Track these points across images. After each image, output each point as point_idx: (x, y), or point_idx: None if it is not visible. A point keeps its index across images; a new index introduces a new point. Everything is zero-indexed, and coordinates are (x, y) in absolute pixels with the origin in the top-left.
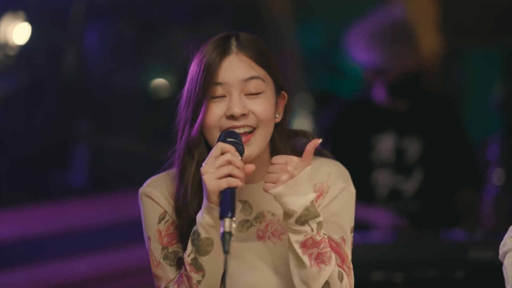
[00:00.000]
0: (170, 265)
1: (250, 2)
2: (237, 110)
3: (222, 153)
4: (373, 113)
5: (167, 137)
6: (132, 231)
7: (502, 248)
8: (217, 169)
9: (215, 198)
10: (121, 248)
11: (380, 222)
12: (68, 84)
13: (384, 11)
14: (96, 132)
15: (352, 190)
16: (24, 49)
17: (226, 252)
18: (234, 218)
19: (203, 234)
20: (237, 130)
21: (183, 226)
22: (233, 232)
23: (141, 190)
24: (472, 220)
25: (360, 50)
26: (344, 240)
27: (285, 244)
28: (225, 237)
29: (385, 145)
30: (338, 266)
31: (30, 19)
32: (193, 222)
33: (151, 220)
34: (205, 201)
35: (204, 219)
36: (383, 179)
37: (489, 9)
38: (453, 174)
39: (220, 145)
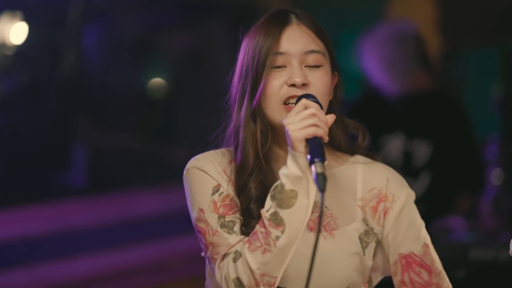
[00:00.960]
0: (228, 232)
1: (249, 2)
2: (298, 80)
3: (305, 108)
4: (384, 112)
5: (166, 135)
6: (131, 230)
7: None
8: (301, 120)
9: (301, 146)
10: (121, 248)
11: None
12: (67, 84)
13: (394, 27)
14: (95, 132)
15: (412, 193)
16: (22, 49)
17: (322, 190)
18: (325, 163)
19: (288, 186)
20: None
21: (244, 202)
22: (326, 175)
23: (189, 164)
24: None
25: (368, 63)
26: (427, 245)
27: (336, 240)
28: (320, 177)
29: (394, 146)
30: (426, 282)
31: (28, 19)
32: (253, 200)
33: (204, 191)
34: (290, 152)
35: (290, 169)
36: None
37: (488, 9)
38: (457, 178)
39: (304, 101)
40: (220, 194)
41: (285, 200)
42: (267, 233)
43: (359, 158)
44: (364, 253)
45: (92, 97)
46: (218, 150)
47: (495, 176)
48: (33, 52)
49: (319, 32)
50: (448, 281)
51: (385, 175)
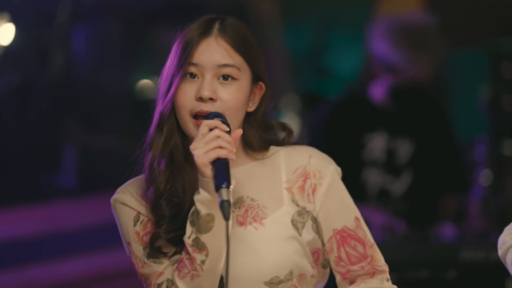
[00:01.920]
0: (154, 262)
1: (238, 3)
2: (206, 93)
3: (210, 130)
4: (367, 111)
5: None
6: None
7: (502, 247)
8: (206, 144)
9: (208, 171)
10: (112, 249)
11: (375, 222)
12: (56, 85)
13: (415, 14)
14: (85, 133)
15: (339, 168)
16: (11, 50)
17: (227, 218)
18: (230, 188)
19: (203, 211)
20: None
21: (155, 200)
22: (231, 200)
23: (112, 199)
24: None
25: (382, 43)
26: (358, 219)
27: (267, 228)
28: (224, 205)
29: (377, 144)
30: (362, 255)
31: (16, 20)
32: (161, 196)
33: (126, 224)
34: (200, 178)
35: (202, 195)
36: (373, 179)
37: (476, 10)
38: (440, 178)
39: (206, 122)
40: (141, 223)
41: (203, 225)
42: (192, 259)
43: (277, 147)
44: (300, 234)
45: (82, 98)
46: (139, 178)
47: (484, 177)
48: (22, 53)
49: (239, 44)
50: (380, 253)
51: (307, 153)
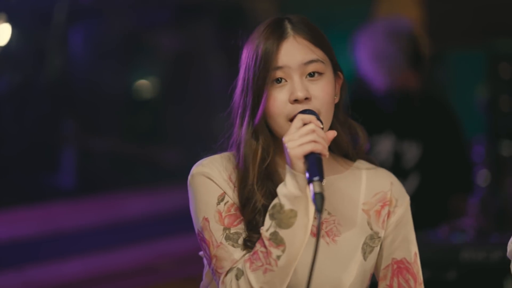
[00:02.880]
0: (233, 246)
1: (235, 3)
2: (300, 94)
3: (304, 124)
4: (374, 113)
5: (153, 137)
6: (121, 232)
7: (510, 245)
8: (300, 137)
9: (299, 164)
10: (111, 250)
11: None
12: (54, 85)
13: (390, 22)
14: (83, 134)
15: (409, 198)
16: (8, 51)
17: (319, 211)
18: (323, 182)
19: (287, 206)
20: None
21: (250, 214)
22: (324, 194)
23: (194, 170)
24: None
25: (360, 57)
26: (416, 254)
27: (338, 247)
28: (317, 197)
29: (384, 147)
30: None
31: (13, 20)
32: (257, 211)
33: (209, 200)
34: (288, 170)
35: (288, 189)
36: None
37: (474, 11)
38: (448, 181)
39: (301, 117)
40: (225, 204)
41: (285, 220)
42: (268, 253)
43: (361, 163)
44: (365, 259)
45: (80, 99)
46: (223, 154)
47: (482, 177)
48: (19, 54)
49: (316, 39)
50: None
51: (389, 180)
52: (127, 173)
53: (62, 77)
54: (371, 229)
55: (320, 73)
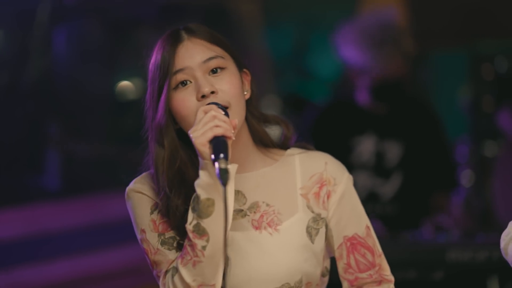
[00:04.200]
0: (169, 249)
1: (219, 4)
2: (206, 89)
3: (206, 114)
4: (355, 114)
5: (138, 139)
6: (108, 233)
7: (505, 238)
8: (203, 126)
9: (206, 151)
10: (97, 251)
11: None
12: (38, 86)
13: (376, 13)
14: (68, 135)
15: (351, 176)
16: None
17: (224, 184)
18: (230, 165)
19: (203, 195)
20: None
21: (173, 220)
22: (230, 170)
23: (128, 188)
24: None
25: (348, 48)
26: (368, 227)
27: (281, 235)
28: (222, 173)
29: (365, 147)
30: (370, 263)
31: None
32: (183, 214)
33: (143, 212)
34: (200, 162)
35: (201, 178)
36: (362, 182)
37: (457, 12)
38: (430, 179)
39: (202, 108)
40: (159, 212)
41: (203, 210)
42: (194, 245)
43: (293, 150)
44: (312, 242)
45: (64, 100)
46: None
47: (466, 178)
48: (3, 55)
49: (212, 38)
50: (387, 263)
51: (323, 160)
52: (111, 174)
53: (46, 78)
54: (312, 211)
55: (222, 68)
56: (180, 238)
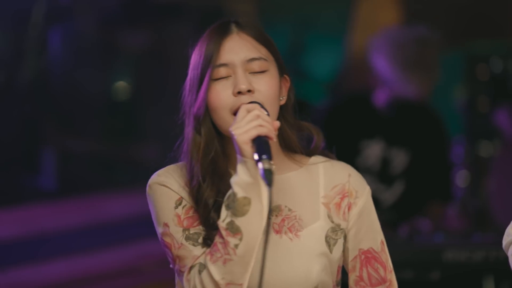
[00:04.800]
0: (193, 245)
1: (216, 4)
2: (243, 87)
3: (249, 112)
4: (366, 115)
5: (134, 138)
6: (103, 234)
7: (506, 239)
8: (246, 124)
9: (247, 149)
10: (93, 252)
11: None
12: (33, 86)
13: (414, 29)
14: (63, 135)
15: (370, 189)
16: None
17: (269, 185)
18: (272, 162)
19: (240, 194)
20: None
21: (204, 211)
22: (273, 170)
23: (151, 181)
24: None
25: (380, 57)
26: (383, 242)
27: (302, 241)
28: (267, 173)
29: (373, 152)
30: (382, 278)
31: None
32: (211, 207)
33: (167, 206)
34: (239, 159)
35: (240, 177)
36: None
37: (451, 13)
38: (429, 190)
39: (245, 107)
40: (183, 207)
41: (239, 208)
42: (226, 243)
43: (317, 158)
44: (331, 251)
45: (59, 100)
46: (179, 164)
47: (461, 178)
48: None
49: (261, 38)
50: (395, 279)
51: (347, 172)
52: (107, 174)
53: (41, 78)
54: (332, 221)
55: (264, 71)
56: (205, 234)
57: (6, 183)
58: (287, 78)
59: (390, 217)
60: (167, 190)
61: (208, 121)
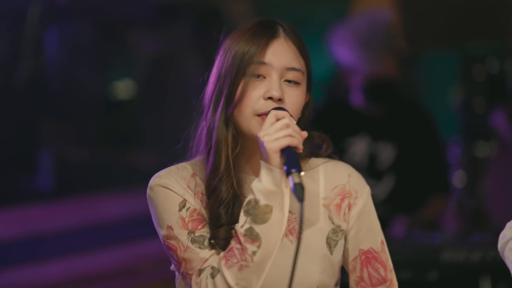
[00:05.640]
0: (200, 247)
1: (212, 5)
2: (276, 94)
3: (277, 120)
4: (349, 115)
5: (131, 139)
6: (100, 234)
7: (501, 241)
8: (276, 131)
9: (276, 158)
10: (90, 252)
11: None
12: (31, 87)
13: (368, 13)
14: (60, 136)
15: (369, 189)
16: None
17: (301, 200)
18: (302, 173)
19: (262, 201)
20: None
21: (213, 207)
22: (304, 185)
23: (153, 182)
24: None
25: (339, 48)
26: (383, 242)
27: (303, 244)
28: (298, 188)
29: (358, 148)
30: (383, 278)
31: None
32: (221, 203)
33: (170, 209)
34: (264, 165)
35: (264, 184)
36: None
37: (448, 13)
38: (423, 181)
39: (274, 112)
40: (187, 210)
41: (260, 215)
42: (244, 249)
43: (318, 160)
44: (331, 253)
45: (57, 101)
46: (179, 165)
47: (458, 178)
48: None
49: (303, 50)
50: (396, 279)
51: (346, 172)
52: (104, 175)
53: (38, 79)
54: (333, 223)
55: (297, 83)
56: (210, 235)
57: (3, 183)
58: (309, 96)
59: (383, 212)
60: (170, 192)
61: (236, 117)
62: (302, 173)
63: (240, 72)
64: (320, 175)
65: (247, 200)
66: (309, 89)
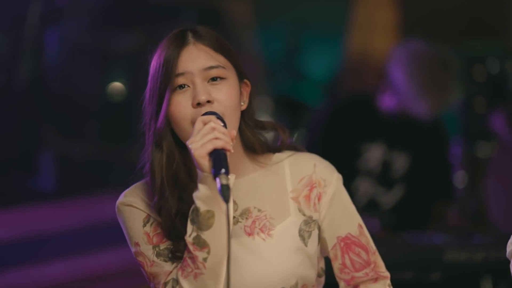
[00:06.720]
0: (165, 261)
1: (212, 5)
2: (202, 97)
3: (205, 124)
4: (368, 117)
5: (131, 139)
6: (102, 234)
7: (510, 246)
8: (202, 137)
9: (205, 163)
10: (92, 252)
11: None
12: (31, 88)
13: (443, 54)
14: (61, 136)
15: (340, 175)
16: None
17: (226, 201)
18: (229, 176)
19: (203, 208)
20: None
21: (167, 222)
22: (231, 185)
23: (119, 202)
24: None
25: (400, 72)
26: (361, 226)
27: (275, 239)
28: (224, 189)
29: (374, 154)
30: (365, 261)
31: None
32: (175, 217)
33: (135, 226)
34: (198, 174)
35: (201, 191)
36: (365, 188)
37: (448, 14)
38: (430, 193)
39: (200, 118)
40: (151, 224)
41: (204, 222)
42: (195, 257)
43: (282, 154)
44: (306, 245)
45: (57, 101)
46: (143, 181)
47: (459, 179)
48: None
49: (217, 47)
50: (381, 259)
51: (312, 162)
52: (105, 175)
53: (38, 79)
54: (304, 214)
55: (222, 78)
56: (174, 248)
57: (4, 184)
58: (248, 82)
59: (389, 220)
60: (134, 210)
61: (168, 133)
62: (232, 175)
63: (164, 91)
64: (286, 169)
65: (191, 209)
66: (242, 77)
